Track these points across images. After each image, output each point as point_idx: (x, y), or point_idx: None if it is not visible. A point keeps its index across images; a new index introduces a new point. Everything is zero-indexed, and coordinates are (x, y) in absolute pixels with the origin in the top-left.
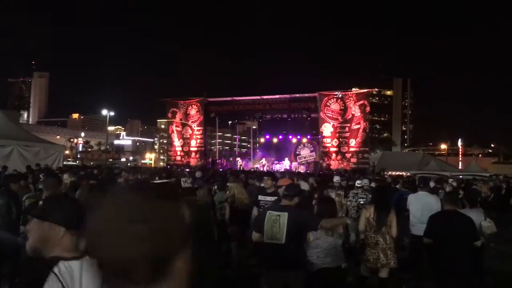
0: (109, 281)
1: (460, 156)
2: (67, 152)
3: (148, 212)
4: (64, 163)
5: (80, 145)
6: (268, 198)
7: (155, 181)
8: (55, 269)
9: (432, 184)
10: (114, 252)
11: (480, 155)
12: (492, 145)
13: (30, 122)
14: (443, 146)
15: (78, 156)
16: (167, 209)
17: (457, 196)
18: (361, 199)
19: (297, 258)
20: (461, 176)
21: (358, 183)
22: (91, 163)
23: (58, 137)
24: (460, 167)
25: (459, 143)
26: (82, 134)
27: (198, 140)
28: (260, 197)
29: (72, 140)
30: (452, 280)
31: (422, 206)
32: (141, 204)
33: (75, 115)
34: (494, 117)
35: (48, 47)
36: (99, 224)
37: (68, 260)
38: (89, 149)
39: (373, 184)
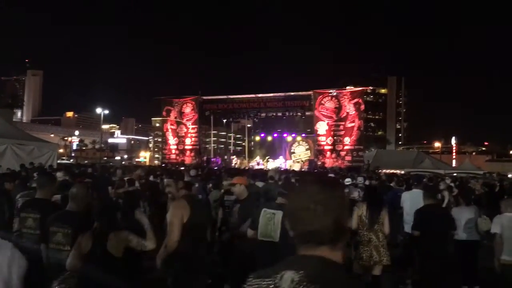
0: (305, 245)
1: (454, 154)
2: (61, 150)
3: (327, 196)
4: (58, 161)
5: (75, 144)
6: (232, 197)
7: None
8: None
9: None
10: (310, 225)
11: (473, 153)
12: (486, 143)
13: (24, 121)
14: (437, 144)
15: (73, 154)
16: (336, 193)
17: (435, 191)
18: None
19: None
20: (455, 174)
21: (347, 181)
22: (86, 162)
23: (52, 135)
24: (454, 165)
25: (453, 141)
26: (76, 133)
27: (193, 138)
28: (226, 197)
29: (66, 138)
30: (435, 270)
31: (415, 203)
32: (321, 192)
33: (69, 114)
34: (488, 115)
35: (42, 45)
36: (297, 207)
37: None
38: (84, 148)
39: (367, 182)
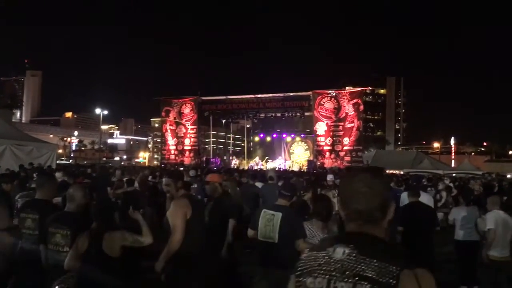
0: (353, 222)
1: (453, 154)
2: (60, 151)
3: (375, 182)
4: (58, 162)
5: (74, 144)
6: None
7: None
8: None
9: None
10: (360, 205)
11: (472, 154)
12: (485, 144)
13: (23, 121)
14: (436, 145)
15: (72, 155)
16: (383, 180)
17: (418, 190)
18: None
19: (290, 257)
20: (454, 174)
21: None
22: (85, 162)
23: (51, 136)
24: (453, 165)
25: (452, 141)
26: (76, 133)
27: (192, 139)
28: None
29: (65, 139)
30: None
31: None
32: (372, 178)
33: (69, 114)
34: (487, 115)
35: (41, 45)
36: (350, 190)
37: None
38: (83, 148)
39: None
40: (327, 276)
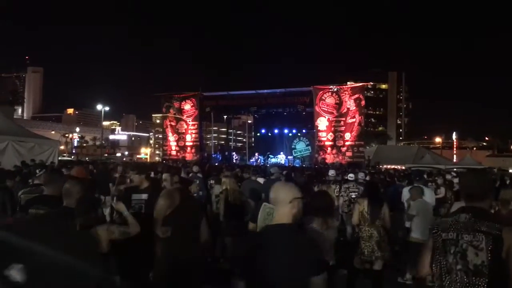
0: (469, 199)
1: (455, 149)
2: (62, 147)
3: (479, 177)
4: (59, 158)
5: (75, 140)
6: (143, 196)
7: None
8: None
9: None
10: (471, 189)
11: (474, 148)
12: (487, 138)
13: (24, 118)
14: (438, 140)
15: (73, 151)
16: (484, 176)
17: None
18: (352, 193)
19: None
20: (455, 169)
21: (350, 176)
22: (86, 158)
23: (53, 132)
24: (454, 160)
25: (454, 136)
26: (77, 129)
27: (193, 135)
28: (133, 196)
29: (67, 135)
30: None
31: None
32: (477, 175)
33: (70, 110)
34: (489, 110)
35: (42, 42)
36: (465, 181)
37: None
38: (84, 144)
39: (368, 178)
40: (456, 231)
